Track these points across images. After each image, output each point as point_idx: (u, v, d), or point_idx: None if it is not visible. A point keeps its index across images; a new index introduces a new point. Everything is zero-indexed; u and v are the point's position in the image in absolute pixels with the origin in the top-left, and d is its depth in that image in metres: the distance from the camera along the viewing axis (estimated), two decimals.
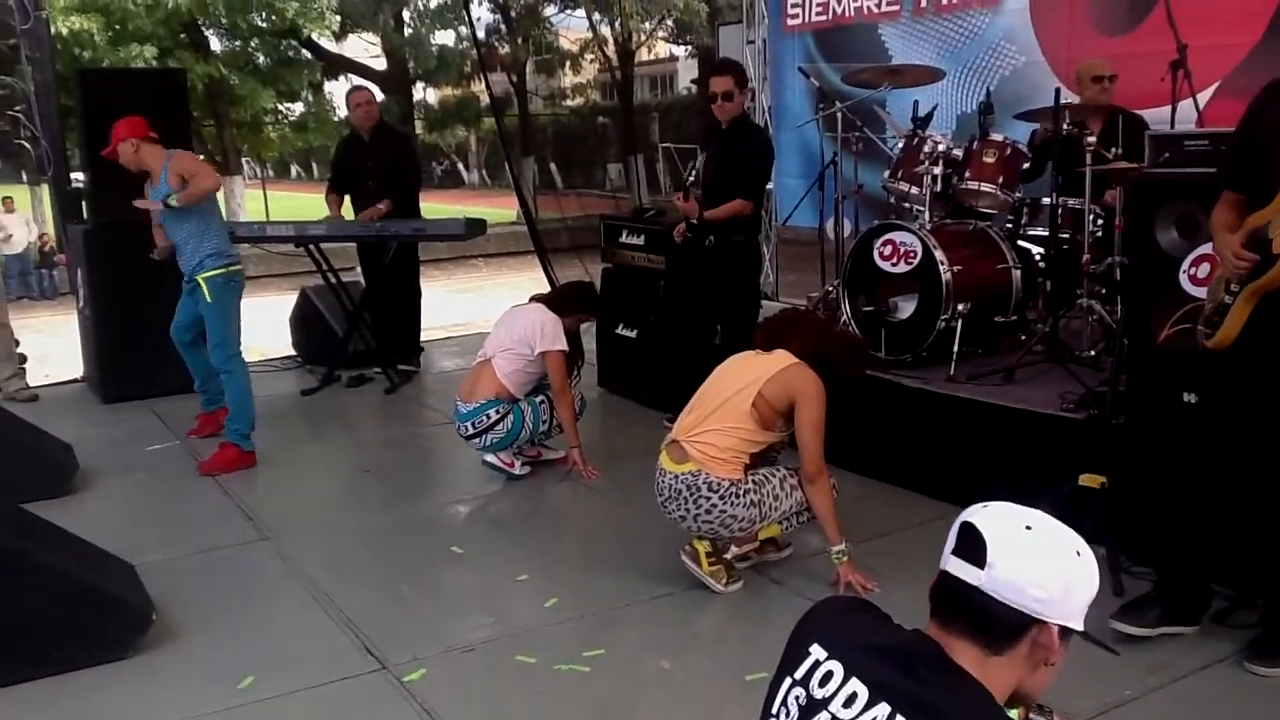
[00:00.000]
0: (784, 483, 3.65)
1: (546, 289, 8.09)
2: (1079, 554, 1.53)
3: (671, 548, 3.81)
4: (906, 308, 5.08)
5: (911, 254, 5.03)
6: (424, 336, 7.61)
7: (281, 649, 3.43)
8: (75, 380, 7.23)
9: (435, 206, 18.62)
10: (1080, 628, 1.54)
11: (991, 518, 1.54)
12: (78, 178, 8.96)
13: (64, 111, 9.11)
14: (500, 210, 21.25)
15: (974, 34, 6.79)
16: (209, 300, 5.13)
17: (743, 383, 3.59)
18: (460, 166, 39.00)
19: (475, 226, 6.68)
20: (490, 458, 5.00)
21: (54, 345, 8.52)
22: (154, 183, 5.18)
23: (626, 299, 6.28)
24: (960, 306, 4.87)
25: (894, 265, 5.10)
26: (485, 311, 5.92)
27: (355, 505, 4.90)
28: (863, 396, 3.94)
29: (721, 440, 3.56)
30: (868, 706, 1.48)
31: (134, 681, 3.23)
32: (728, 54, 9.36)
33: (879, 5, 7.43)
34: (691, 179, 5.42)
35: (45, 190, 17.70)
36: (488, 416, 4.84)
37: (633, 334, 6.26)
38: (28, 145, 9.05)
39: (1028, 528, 1.52)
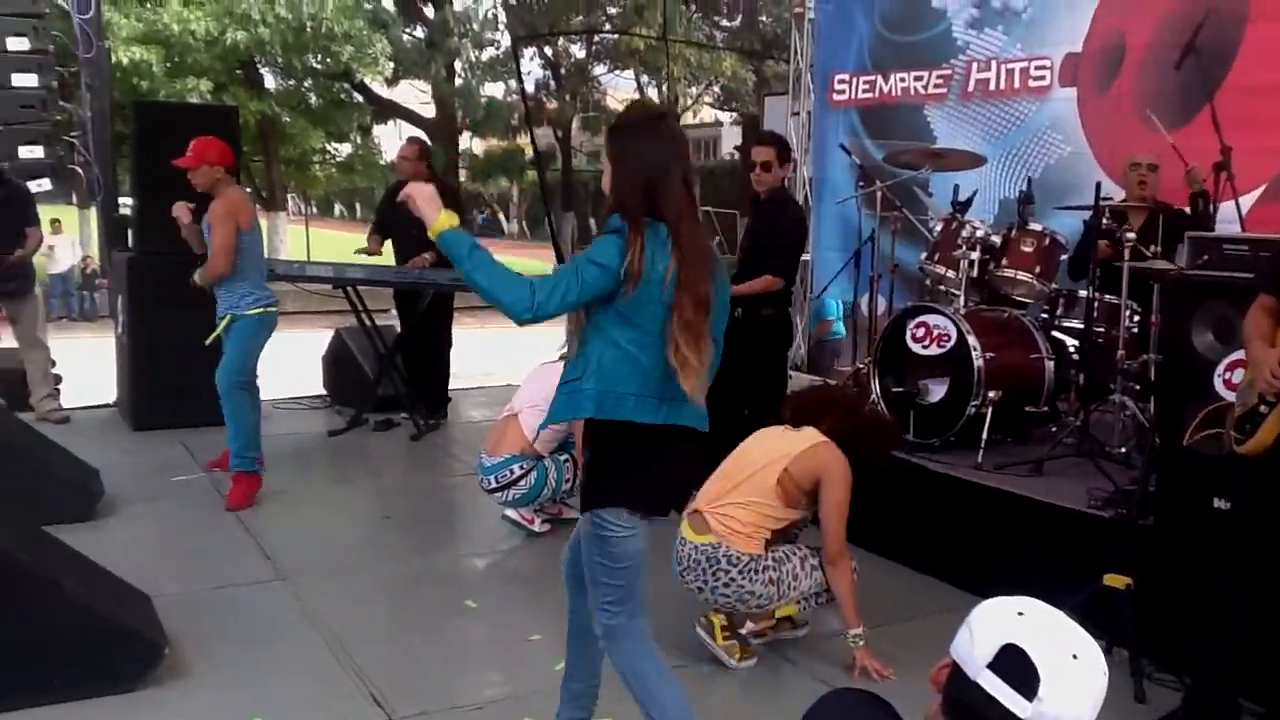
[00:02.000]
0: (804, 562, 3.63)
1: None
2: (1105, 673, 1.48)
3: (686, 619, 3.78)
4: (937, 391, 5.06)
5: (945, 338, 5.03)
6: (453, 385, 7.64)
7: (290, 692, 3.42)
8: (107, 405, 7.30)
9: None
10: None
11: (1039, 642, 1.46)
12: (125, 202, 9.16)
13: (117, 139, 9.33)
14: (539, 262, 21.41)
15: (1019, 121, 6.83)
16: (238, 334, 5.19)
17: (769, 458, 3.58)
18: (501, 216, 39.41)
19: None
20: (511, 513, 5.00)
21: (90, 368, 8.62)
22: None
23: None
24: (991, 394, 4.85)
25: (926, 348, 5.09)
26: (515, 363, 5.92)
27: (373, 551, 4.90)
28: (888, 479, 3.91)
29: (744, 514, 3.54)
30: None
31: (143, 713, 3.23)
32: (772, 125, 9.48)
33: (925, 87, 7.48)
34: None
35: (93, 214, 18.01)
36: (511, 471, 4.84)
37: None
38: (80, 170, 9.25)
39: (1074, 656, 1.45)
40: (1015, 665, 1.44)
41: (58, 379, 7.13)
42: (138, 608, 3.62)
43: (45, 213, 7.36)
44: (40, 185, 7.82)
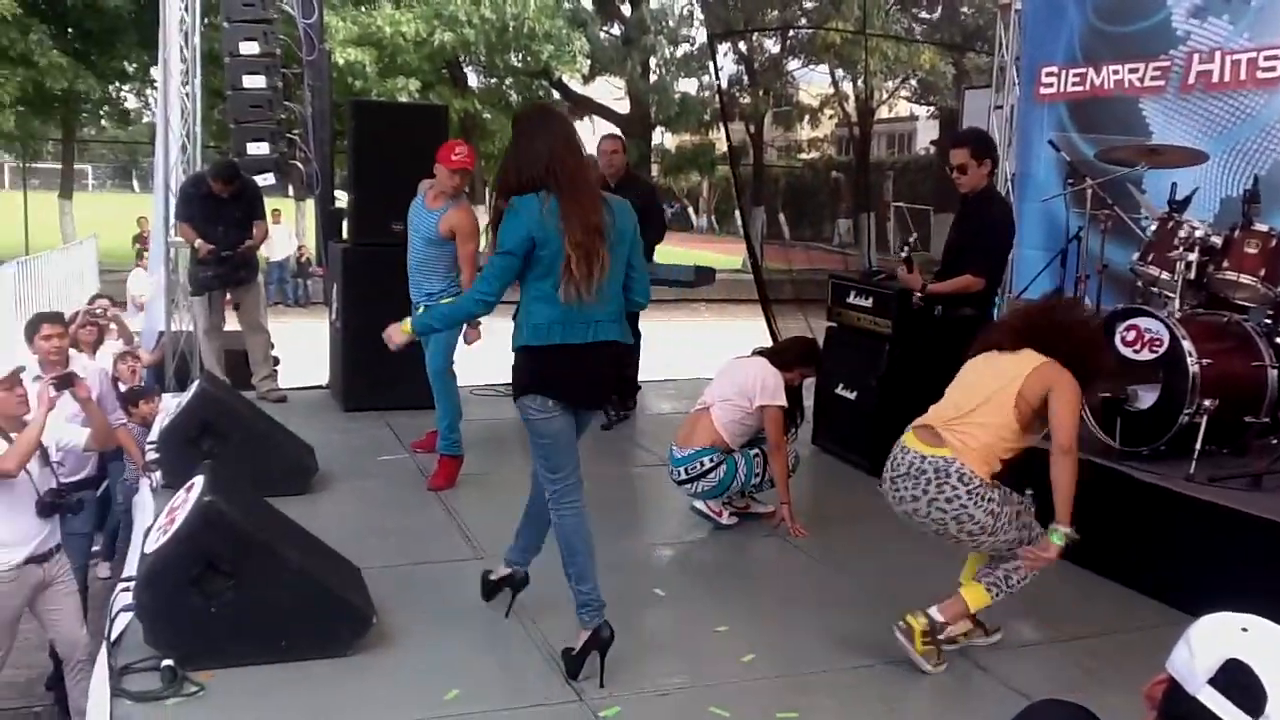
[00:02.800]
0: (1020, 515, 3.57)
1: (766, 339, 8.11)
2: None
3: (874, 618, 3.76)
4: (1147, 398, 4.83)
5: (1157, 342, 4.79)
6: (641, 377, 7.75)
7: (486, 667, 3.57)
8: (320, 386, 7.73)
9: (664, 249, 19.00)
10: None
11: (1266, 658, 1.39)
12: (339, 196, 9.68)
13: (334, 136, 9.87)
14: (726, 256, 21.51)
15: (1246, 115, 6.44)
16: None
17: (1002, 380, 3.56)
18: (690, 210, 39.66)
19: (704, 275, 6.76)
20: (699, 504, 5.05)
21: (305, 351, 9.15)
22: (429, 204, 5.49)
23: (849, 360, 6.22)
24: (1207, 402, 4.59)
25: (1136, 352, 4.86)
26: (702, 356, 5.88)
27: None
28: (1093, 487, 3.76)
29: (983, 435, 3.51)
30: None
31: (352, 678, 3.43)
32: (971, 119, 9.22)
33: (1142, 79, 7.15)
34: (905, 253, 5.34)
35: (309, 206, 19.09)
36: (701, 464, 4.89)
37: (852, 395, 6.18)
38: (299, 165, 9.83)
39: None
40: (1240, 681, 1.38)
41: (276, 361, 7.60)
42: (350, 578, 3.84)
43: (266, 204, 7.85)
44: (265, 179, 8.36)
